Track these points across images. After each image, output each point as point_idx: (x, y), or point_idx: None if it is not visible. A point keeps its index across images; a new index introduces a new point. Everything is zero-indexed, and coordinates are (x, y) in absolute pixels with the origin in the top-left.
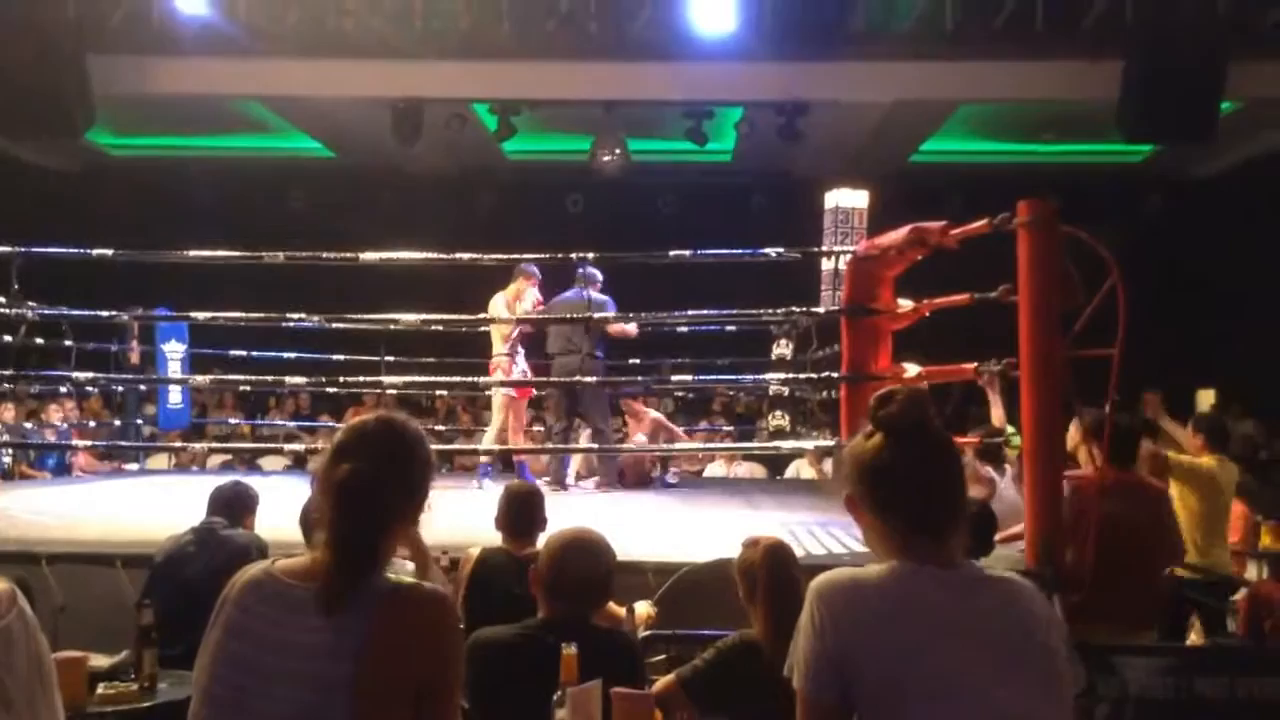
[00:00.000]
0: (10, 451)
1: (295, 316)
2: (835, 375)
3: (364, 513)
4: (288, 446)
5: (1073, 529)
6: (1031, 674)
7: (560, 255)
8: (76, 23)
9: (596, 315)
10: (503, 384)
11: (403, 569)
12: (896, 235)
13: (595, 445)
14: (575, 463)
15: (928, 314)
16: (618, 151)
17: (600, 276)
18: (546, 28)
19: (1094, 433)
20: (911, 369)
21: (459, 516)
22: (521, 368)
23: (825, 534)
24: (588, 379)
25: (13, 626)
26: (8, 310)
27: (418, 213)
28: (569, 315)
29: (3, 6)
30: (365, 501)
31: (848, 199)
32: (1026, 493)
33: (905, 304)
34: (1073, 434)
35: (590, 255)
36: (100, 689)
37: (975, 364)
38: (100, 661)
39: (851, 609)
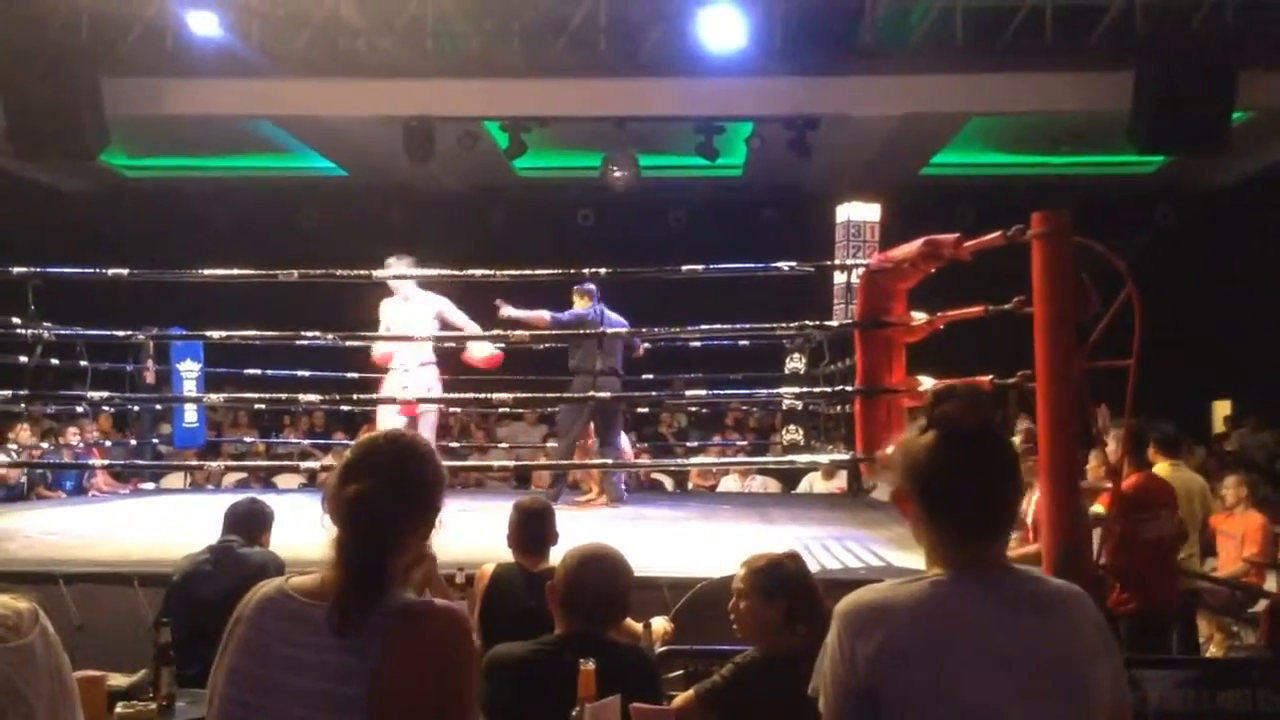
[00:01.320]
0: (26, 472)
1: (310, 335)
2: (849, 389)
3: (373, 533)
4: (304, 464)
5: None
6: (1072, 704)
7: (572, 270)
8: (90, 45)
9: (611, 331)
10: (517, 400)
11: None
12: (909, 248)
13: (607, 461)
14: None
15: (941, 327)
16: (628, 167)
17: (592, 289)
18: (557, 46)
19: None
20: (926, 382)
21: (466, 532)
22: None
23: (841, 548)
24: (601, 394)
25: (35, 645)
26: (24, 331)
27: (429, 230)
28: (582, 332)
29: (17, 29)
30: (374, 521)
31: (859, 212)
32: (1042, 506)
33: (919, 317)
34: (1113, 450)
35: (602, 271)
36: (119, 708)
37: (990, 376)
38: (118, 681)
39: (880, 635)
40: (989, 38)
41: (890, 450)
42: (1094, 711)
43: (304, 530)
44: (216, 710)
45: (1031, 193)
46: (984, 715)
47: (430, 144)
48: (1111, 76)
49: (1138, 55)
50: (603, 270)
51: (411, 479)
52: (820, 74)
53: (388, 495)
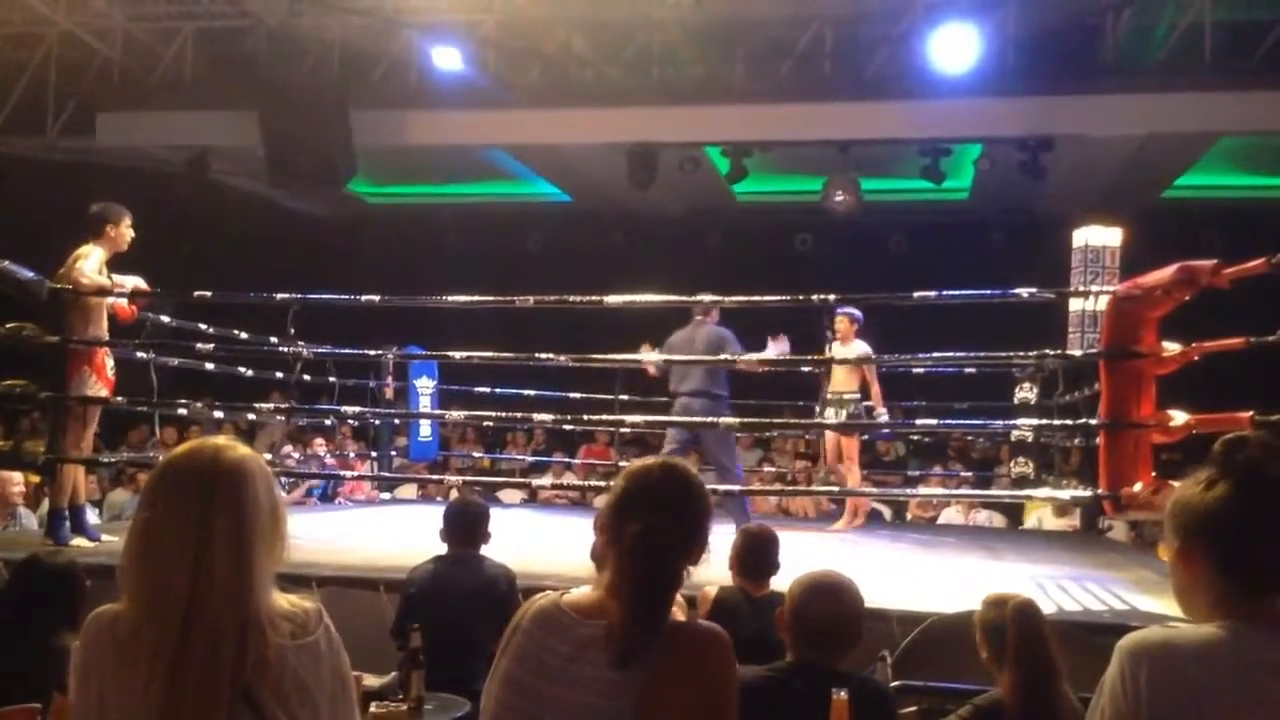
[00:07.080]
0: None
1: (545, 356)
2: (1094, 422)
3: (660, 572)
4: (535, 482)
5: None
6: None
7: (802, 296)
8: (340, 79)
9: (839, 359)
10: (766, 425)
11: None
12: (1162, 274)
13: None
14: None
15: (1196, 358)
16: (851, 192)
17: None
18: (780, 70)
19: None
20: (1179, 416)
21: None
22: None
23: (1079, 589)
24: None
25: (320, 642)
26: (284, 349)
27: (648, 254)
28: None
29: (275, 66)
30: (661, 559)
31: (1098, 236)
32: None
33: (1172, 347)
34: None
35: (831, 296)
36: (372, 708)
37: (1251, 413)
38: (370, 681)
39: (1170, 672)
40: (1241, 54)
41: (1147, 493)
42: None
43: (526, 544)
44: (491, 715)
45: None
46: None
47: (653, 170)
48: None
49: None
50: (831, 296)
51: (691, 513)
52: (1056, 93)
53: (672, 531)
